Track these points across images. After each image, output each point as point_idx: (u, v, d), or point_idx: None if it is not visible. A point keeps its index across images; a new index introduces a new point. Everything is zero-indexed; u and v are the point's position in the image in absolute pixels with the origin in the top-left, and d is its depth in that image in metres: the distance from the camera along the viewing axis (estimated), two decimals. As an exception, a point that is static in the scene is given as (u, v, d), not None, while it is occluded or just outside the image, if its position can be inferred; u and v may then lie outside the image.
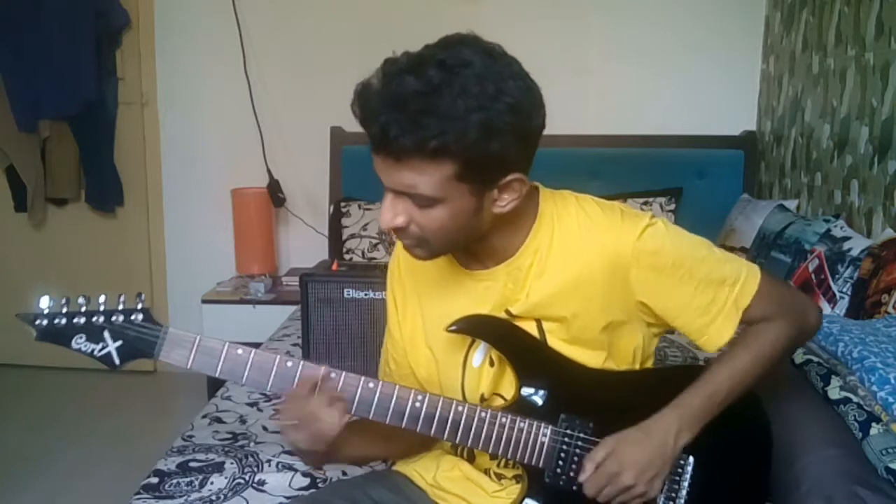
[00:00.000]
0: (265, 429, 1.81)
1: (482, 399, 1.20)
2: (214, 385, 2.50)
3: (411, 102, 0.96)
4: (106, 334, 1.08)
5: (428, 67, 0.97)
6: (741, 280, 1.16)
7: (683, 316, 1.16)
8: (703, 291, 1.14)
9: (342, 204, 3.23)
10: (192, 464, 1.64)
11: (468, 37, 1.02)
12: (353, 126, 1.03)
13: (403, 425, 1.12)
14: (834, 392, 1.42)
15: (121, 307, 1.09)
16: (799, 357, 1.57)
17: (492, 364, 1.19)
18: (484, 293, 1.17)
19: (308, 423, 1.08)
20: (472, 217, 1.06)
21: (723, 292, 1.15)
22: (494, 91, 0.97)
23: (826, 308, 2.01)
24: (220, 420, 1.87)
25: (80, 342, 1.08)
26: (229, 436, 1.78)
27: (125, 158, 3.51)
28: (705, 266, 1.15)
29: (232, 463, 1.63)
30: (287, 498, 1.49)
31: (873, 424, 1.29)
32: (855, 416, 1.33)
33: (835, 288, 2.02)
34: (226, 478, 1.57)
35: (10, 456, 2.82)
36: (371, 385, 1.12)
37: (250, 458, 1.65)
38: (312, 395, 1.08)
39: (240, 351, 1.11)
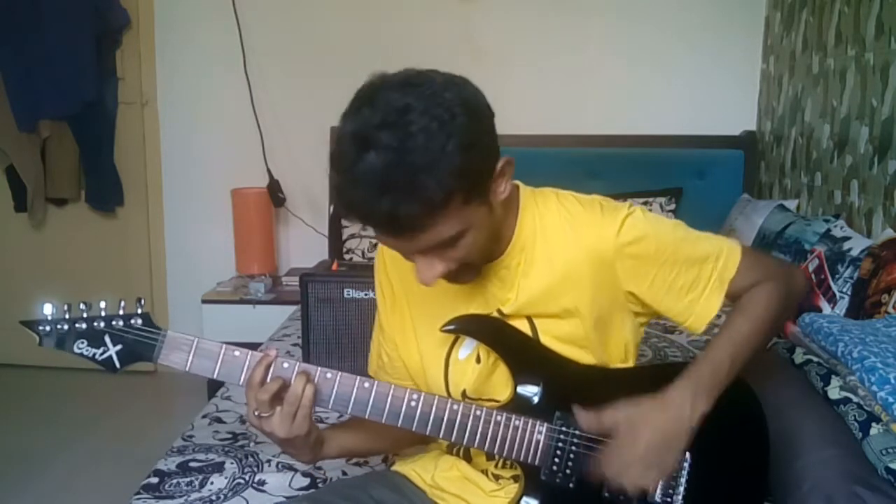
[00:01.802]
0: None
1: (464, 395, 1.20)
2: (214, 385, 2.50)
3: (391, 175, 0.92)
4: (107, 339, 1.10)
5: (374, 138, 0.93)
6: (724, 254, 1.16)
7: (669, 297, 1.16)
8: (687, 270, 1.15)
9: (342, 204, 3.23)
10: (192, 464, 1.64)
11: (377, 84, 0.98)
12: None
13: (399, 425, 1.12)
14: (834, 392, 1.42)
15: (121, 312, 1.11)
16: (799, 357, 1.57)
17: (478, 361, 1.19)
18: (472, 290, 1.17)
19: (273, 406, 1.09)
20: (491, 221, 1.06)
21: (707, 268, 1.15)
22: (446, 114, 0.95)
23: (826, 308, 2.01)
24: (220, 420, 1.87)
25: (81, 347, 1.10)
26: (229, 436, 1.78)
27: (125, 158, 3.51)
28: (687, 246, 1.16)
29: (232, 463, 1.64)
30: (287, 498, 1.48)
31: (873, 424, 1.29)
32: (855, 416, 1.33)
33: (835, 288, 2.02)
34: (226, 478, 1.57)
35: (10, 456, 2.82)
36: (367, 385, 1.12)
37: (250, 458, 1.65)
38: (266, 379, 1.10)
39: (237, 353, 1.11)
